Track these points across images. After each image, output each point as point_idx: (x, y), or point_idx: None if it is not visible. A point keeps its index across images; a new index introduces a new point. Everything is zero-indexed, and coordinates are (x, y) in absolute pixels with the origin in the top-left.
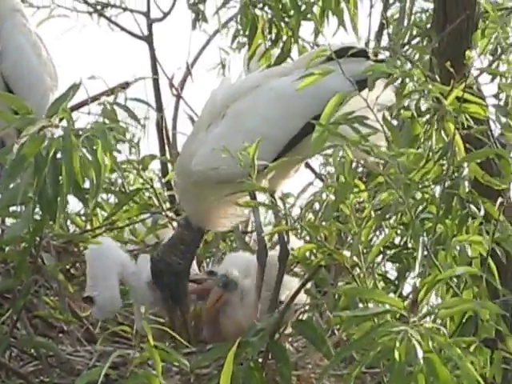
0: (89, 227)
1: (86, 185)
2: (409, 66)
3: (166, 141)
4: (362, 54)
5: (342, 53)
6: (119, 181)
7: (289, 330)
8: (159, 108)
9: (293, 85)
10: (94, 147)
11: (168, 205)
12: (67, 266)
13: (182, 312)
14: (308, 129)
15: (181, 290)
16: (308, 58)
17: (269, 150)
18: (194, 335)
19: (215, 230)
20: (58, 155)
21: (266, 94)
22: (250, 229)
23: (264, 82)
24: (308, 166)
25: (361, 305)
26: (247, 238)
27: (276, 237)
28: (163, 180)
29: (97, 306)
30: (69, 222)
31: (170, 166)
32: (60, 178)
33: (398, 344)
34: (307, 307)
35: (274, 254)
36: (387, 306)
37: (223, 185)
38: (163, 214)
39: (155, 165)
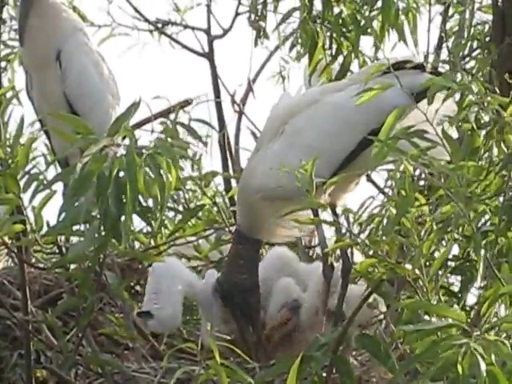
0: (152, 243)
1: (150, 203)
2: (468, 78)
3: (228, 157)
4: (419, 67)
5: (399, 66)
6: (182, 198)
7: (352, 344)
8: (221, 125)
9: (350, 99)
10: (158, 165)
11: (232, 220)
12: (131, 284)
13: (255, 329)
14: (366, 143)
15: (252, 306)
16: (365, 73)
17: (326, 166)
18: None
19: (273, 241)
20: (121, 174)
21: (322, 109)
22: (314, 243)
23: (321, 98)
24: (370, 180)
25: (425, 317)
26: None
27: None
28: (226, 196)
29: (156, 320)
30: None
31: (233, 182)
32: (123, 196)
33: (460, 357)
34: (371, 321)
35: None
36: (450, 320)
37: (283, 202)
38: (226, 229)
39: (218, 181)
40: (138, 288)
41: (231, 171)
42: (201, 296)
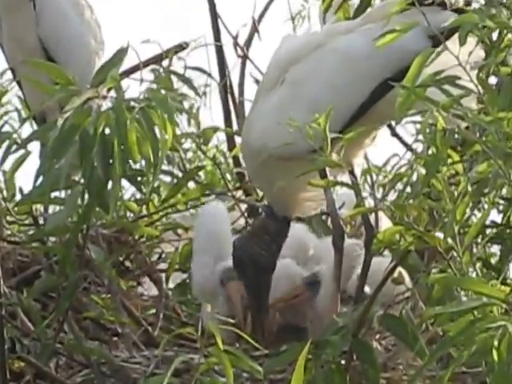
0: (144, 212)
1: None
2: (507, 14)
3: (231, 110)
4: (440, 3)
5: (418, 2)
6: (178, 159)
7: (375, 326)
8: (222, 73)
9: (361, 43)
10: (151, 120)
11: (234, 184)
12: (120, 259)
13: (258, 312)
14: (379, 94)
15: (261, 286)
16: (380, 10)
17: (335, 121)
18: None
19: (303, 215)
20: (108, 131)
21: (329, 55)
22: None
23: (328, 41)
24: (395, 134)
25: (459, 294)
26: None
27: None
28: (229, 155)
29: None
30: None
31: (237, 139)
32: (110, 157)
33: (496, 342)
34: (396, 299)
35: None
36: (485, 299)
37: (288, 163)
38: (229, 194)
39: (221, 138)
40: (127, 264)
41: (235, 126)
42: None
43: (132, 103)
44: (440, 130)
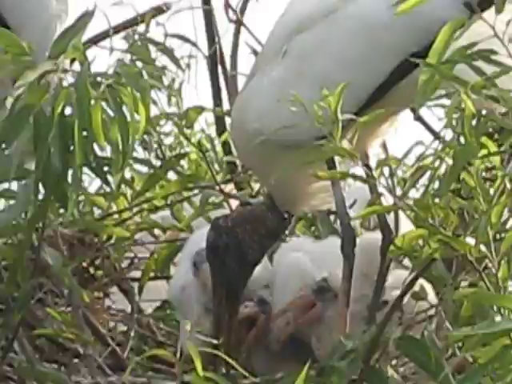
0: (114, 209)
1: (109, 152)
2: None
3: (222, 86)
4: None
5: None
6: (155, 144)
7: (391, 350)
8: (211, 41)
9: (381, 9)
10: (121, 99)
11: (224, 176)
12: (84, 264)
13: (228, 312)
14: (402, 71)
15: (239, 282)
16: None
17: (348, 102)
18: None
19: (309, 212)
20: (68, 111)
21: (343, 23)
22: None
23: (341, 6)
24: (419, 118)
25: (493, 312)
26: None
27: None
28: (218, 141)
29: None
30: (85, 203)
31: (227, 120)
32: (70, 143)
33: None
34: (417, 318)
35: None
36: None
37: (291, 150)
38: (217, 188)
39: (208, 119)
40: (92, 271)
41: (225, 106)
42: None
43: (99, 78)
44: (469, 115)
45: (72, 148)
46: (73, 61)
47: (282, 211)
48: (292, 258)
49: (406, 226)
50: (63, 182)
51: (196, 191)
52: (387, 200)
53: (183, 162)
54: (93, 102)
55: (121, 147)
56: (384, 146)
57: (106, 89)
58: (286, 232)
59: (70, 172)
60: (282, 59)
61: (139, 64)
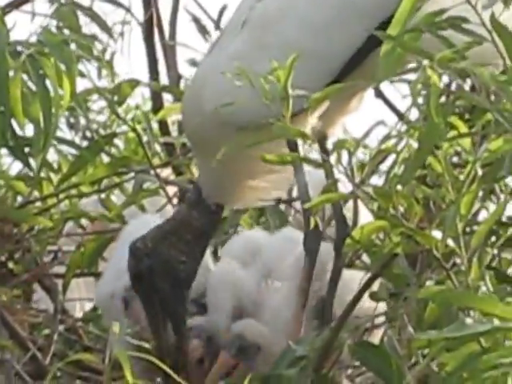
0: (36, 195)
1: (29, 131)
2: None
3: (158, 58)
4: None
5: None
6: (82, 122)
7: (346, 358)
8: (147, 6)
9: None
10: (43, 71)
11: (161, 159)
12: (1, 258)
13: (179, 338)
14: (375, 41)
15: (177, 304)
16: None
17: (314, 76)
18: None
19: (240, 206)
20: None
21: None
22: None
23: None
24: (380, 94)
25: (462, 315)
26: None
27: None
28: (154, 119)
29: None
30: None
31: (166, 96)
32: None
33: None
34: (375, 321)
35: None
36: (497, 322)
37: (247, 132)
38: (152, 173)
39: (144, 93)
40: (11, 266)
41: (163, 79)
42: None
43: (19, 48)
44: (435, 91)
45: None
46: None
47: (210, 204)
48: (222, 268)
49: (366, 217)
50: None
51: (129, 176)
52: (346, 187)
53: (119, 143)
54: (11, 73)
55: (42, 125)
56: (343, 126)
57: (27, 59)
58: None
59: None
60: (240, 30)
61: (66, 32)
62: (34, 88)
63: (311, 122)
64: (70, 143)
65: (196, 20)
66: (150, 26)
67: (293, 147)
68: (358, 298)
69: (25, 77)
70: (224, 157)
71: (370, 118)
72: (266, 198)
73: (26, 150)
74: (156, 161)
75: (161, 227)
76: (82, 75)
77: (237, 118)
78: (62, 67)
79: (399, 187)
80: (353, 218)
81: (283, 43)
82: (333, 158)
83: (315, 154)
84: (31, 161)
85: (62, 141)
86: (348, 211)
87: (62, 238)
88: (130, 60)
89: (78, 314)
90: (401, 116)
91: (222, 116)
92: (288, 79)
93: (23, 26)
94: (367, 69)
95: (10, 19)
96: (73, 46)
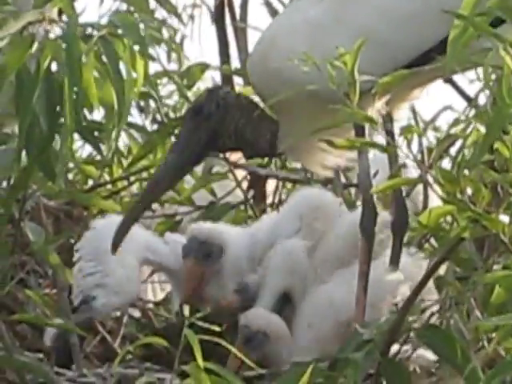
0: (106, 178)
1: (97, 115)
2: None
3: (229, 41)
4: None
5: None
6: (152, 105)
7: (413, 342)
8: None
9: None
10: (116, 53)
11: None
12: (71, 241)
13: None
14: None
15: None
16: None
17: (383, 62)
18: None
19: (304, 164)
20: (55, 67)
21: None
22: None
23: None
24: (449, 79)
25: None
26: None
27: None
28: None
29: (105, 293)
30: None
31: (237, 80)
32: (58, 104)
33: None
34: (441, 305)
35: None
36: None
37: (311, 102)
38: (221, 156)
39: (214, 77)
40: None
41: (234, 63)
42: (169, 263)
43: (89, 30)
44: (508, 74)
45: (60, 110)
46: (61, 12)
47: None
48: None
49: (436, 202)
50: (49, 149)
51: None
52: (411, 172)
53: None
54: (83, 57)
55: (115, 109)
56: (413, 110)
57: (99, 42)
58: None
59: (57, 137)
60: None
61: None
62: (105, 71)
63: (377, 106)
64: (139, 128)
65: (267, 3)
66: (220, 9)
67: (359, 131)
68: (425, 280)
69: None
70: (295, 115)
71: (439, 102)
72: (330, 164)
73: (96, 133)
74: None
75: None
76: (152, 59)
77: (303, 85)
78: (135, 49)
79: (466, 172)
80: (423, 201)
81: (359, 24)
82: (399, 143)
83: (380, 138)
84: (101, 145)
85: (131, 125)
86: (419, 194)
87: None
88: (201, 44)
89: (150, 298)
90: (469, 100)
91: (286, 76)
92: (355, 64)
93: (92, 12)
94: (434, 68)
95: (79, 4)
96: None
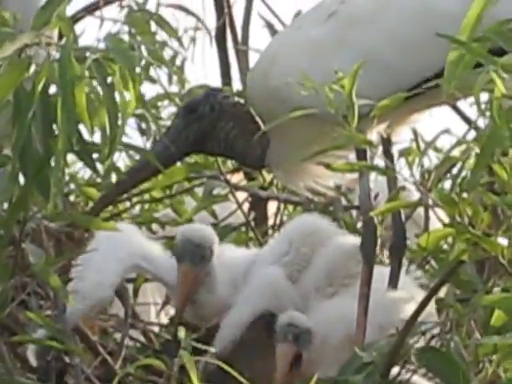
0: None
1: (96, 137)
2: None
3: (231, 62)
4: None
5: None
6: (153, 127)
7: (413, 364)
8: (219, 12)
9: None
10: (110, 77)
11: (231, 164)
12: (71, 262)
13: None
14: None
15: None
16: None
17: (385, 86)
18: None
19: (292, 183)
20: (52, 89)
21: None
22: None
23: None
24: (452, 104)
25: None
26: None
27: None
28: None
29: (76, 296)
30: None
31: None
32: (53, 124)
33: None
34: (441, 327)
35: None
36: None
37: (309, 123)
38: (222, 178)
39: None
40: None
41: (236, 85)
42: (164, 274)
43: (87, 53)
44: (498, 95)
45: (56, 131)
46: (61, 37)
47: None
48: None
49: (438, 224)
50: (46, 169)
51: (200, 181)
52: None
53: None
54: (79, 79)
55: (108, 130)
56: (414, 132)
57: (93, 64)
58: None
59: (53, 158)
60: (327, 20)
61: (138, 38)
62: (97, 94)
63: (377, 129)
64: (138, 149)
65: (269, 25)
66: (222, 31)
67: (361, 154)
68: (425, 302)
69: (94, 83)
70: (289, 134)
71: (442, 124)
72: (322, 184)
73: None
74: (228, 166)
75: (236, 110)
76: (153, 81)
77: (301, 105)
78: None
79: (465, 194)
80: (424, 224)
81: (362, 47)
82: (399, 165)
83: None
84: (99, 166)
85: (130, 146)
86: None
87: None
88: (203, 66)
89: (154, 319)
90: (470, 124)
91: (285, 96)
92: (353, 87)
93: (94, 33)
94: (436, 93)
95: (82, 25)
96: (144, 52)
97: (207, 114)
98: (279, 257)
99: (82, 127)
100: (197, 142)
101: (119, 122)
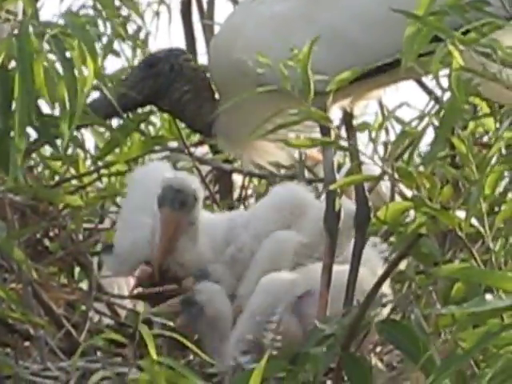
0: (73, 173)
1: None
2: None
3: (196, 37)
4: None
5: None
6: None
7: (373, 336)
8: None
9: None
10: (68, 52)
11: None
12: (36, 236)
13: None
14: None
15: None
16: None
17: (357, 62)
18: None
19: (250, 157)
20: (11, 65)
21: None
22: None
23: None
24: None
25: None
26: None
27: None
28: None
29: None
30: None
31: None
32: (12, 100)
33: None
34: (401, 300)
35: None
36: None
37: (267, 100)
38: (186, 152)
39: None
40: (46, 243)
41: (201, 59)
42: None
43: (46, 30)
44: (456, 68)
45: (14, 106)
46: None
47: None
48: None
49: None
50: (6, 144)
51: (163, 154)
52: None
53: (157, 121)
54: (37, 54)
55: (68, 104)
56: (380, 105)
57: (52, 40)
58: None
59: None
60: None
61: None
62: (55, 69)
63: (339, 104)
64: (101, 123)
65: (235, 1)
66: (188, 5)
67: (324, 129)
68: (385, 276)
69: (53, 57)
70: (243, 106)
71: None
72: (272, 159)
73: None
74: (193, 139)
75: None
76: (117, 54)
77: (263, 80)
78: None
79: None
80: (390, 197)
81: (327, 24)
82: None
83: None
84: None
85: (93, 121)
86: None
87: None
88: (169, 40)
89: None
90: (432, 97)
91: (247, 69)
92: (307, 64)
93: (55, 7)
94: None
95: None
96: (108, 26)
97: (165, 73)
98: (272, 224)
99: (43, 103)
100: (149, 96)
101: (78, 96)
